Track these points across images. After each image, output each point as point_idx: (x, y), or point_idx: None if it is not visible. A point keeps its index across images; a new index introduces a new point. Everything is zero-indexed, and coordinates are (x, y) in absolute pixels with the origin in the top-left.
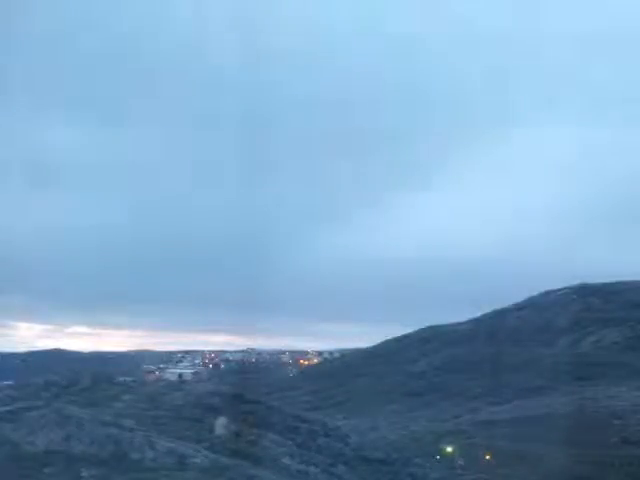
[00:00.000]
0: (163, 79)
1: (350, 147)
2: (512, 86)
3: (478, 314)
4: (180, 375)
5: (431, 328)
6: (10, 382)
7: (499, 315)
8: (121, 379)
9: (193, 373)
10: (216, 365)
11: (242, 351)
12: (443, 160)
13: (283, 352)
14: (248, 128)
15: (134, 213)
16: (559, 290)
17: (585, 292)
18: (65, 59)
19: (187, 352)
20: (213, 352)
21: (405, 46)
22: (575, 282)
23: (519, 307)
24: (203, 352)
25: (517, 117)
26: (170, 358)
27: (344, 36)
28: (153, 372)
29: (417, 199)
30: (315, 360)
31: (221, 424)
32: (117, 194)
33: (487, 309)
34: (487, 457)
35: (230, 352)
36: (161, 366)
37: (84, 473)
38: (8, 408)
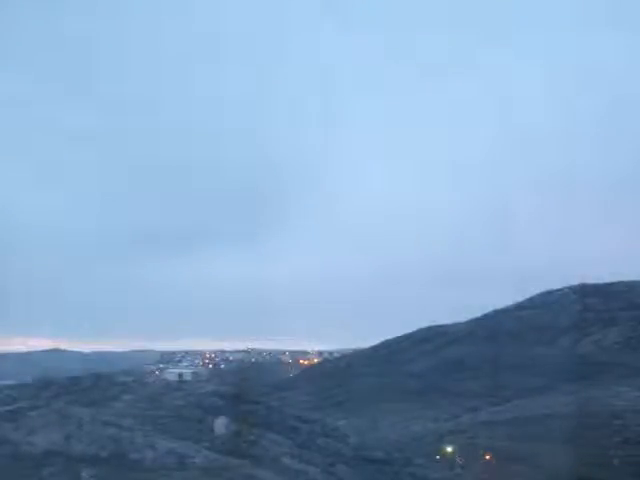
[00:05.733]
0: None
1: None
2: None
3: (478, 314)
4: (180, 375)
5: (431, 328)
6: (10, 382)
7: (499, 315)
8: (121, 379)
9: (193, 373)
10: (216, 365)
11: (242, 351)
12: None
13: (283, 352)
14: None
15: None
16: (559, 290)
17: (585, 292)
18: None
19: (187, 352)
20: (213, 352)
21: None
22: (575, 282)
23: (519, 307)
24: (203, 352)
25: None
26: (170, 358)
27: None
28: (153, 372)
29: None
30: (315, 360)
31: (221, 424)
32: None
33: (487, 309)
34: (487, 457)
35: (230, 352)
36: (161, 366)
37: (84, 473)
38: (8, 408)
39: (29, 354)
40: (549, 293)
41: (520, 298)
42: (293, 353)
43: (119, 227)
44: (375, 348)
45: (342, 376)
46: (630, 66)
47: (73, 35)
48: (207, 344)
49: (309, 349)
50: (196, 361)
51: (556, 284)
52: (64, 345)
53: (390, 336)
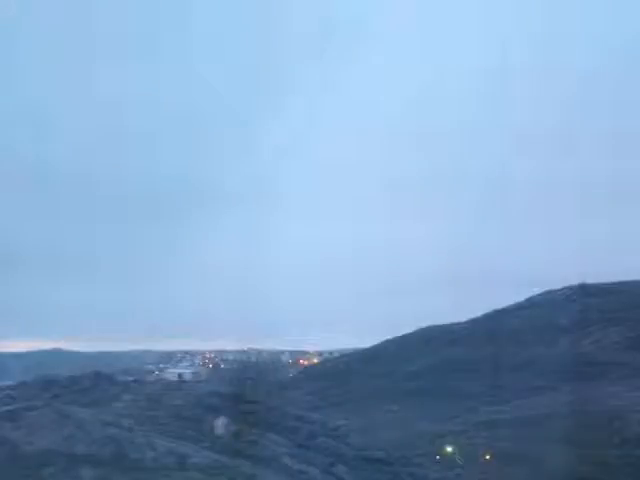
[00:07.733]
0: None
1: None
2: None
3: (478, 314)
4: (180, 375)
5: (431, 328)
6: (10, 382)
7: (499, 315)
8: (121, 379)
9: (193, 373)
10: (216, 365)
11: (242, 351)
12: None
13: (283, 352)
14: None
15: None
16: (559, 290)
17: (585, 292)
18: None
19: (187, 352)
20: (213, 352)
21: None
22: (575, 282)
23: (519, 307)
24: (203, 352)
25: None
26: (170, 358)
27: None
28: (153, 372)
29: None
30: (315, 360)
31: (221, 424)
32: None
33: (487, 309)
34: (487, 457)
35: (230, 352)
36: (161, 366)
37: (84, 473)
38: (8, 408)
39: (29, 354)
40: (549, 293)
41: (520, 298)
42: (293, 353)
43: (119, 226)
44: (375, 348)
45: (342, 376)
46: None
47: None
48: (207, 344)
49: (309, 349)
50: (196, 361)
51: (556, 284)
52: (64, 345)
53: (390, 336)
